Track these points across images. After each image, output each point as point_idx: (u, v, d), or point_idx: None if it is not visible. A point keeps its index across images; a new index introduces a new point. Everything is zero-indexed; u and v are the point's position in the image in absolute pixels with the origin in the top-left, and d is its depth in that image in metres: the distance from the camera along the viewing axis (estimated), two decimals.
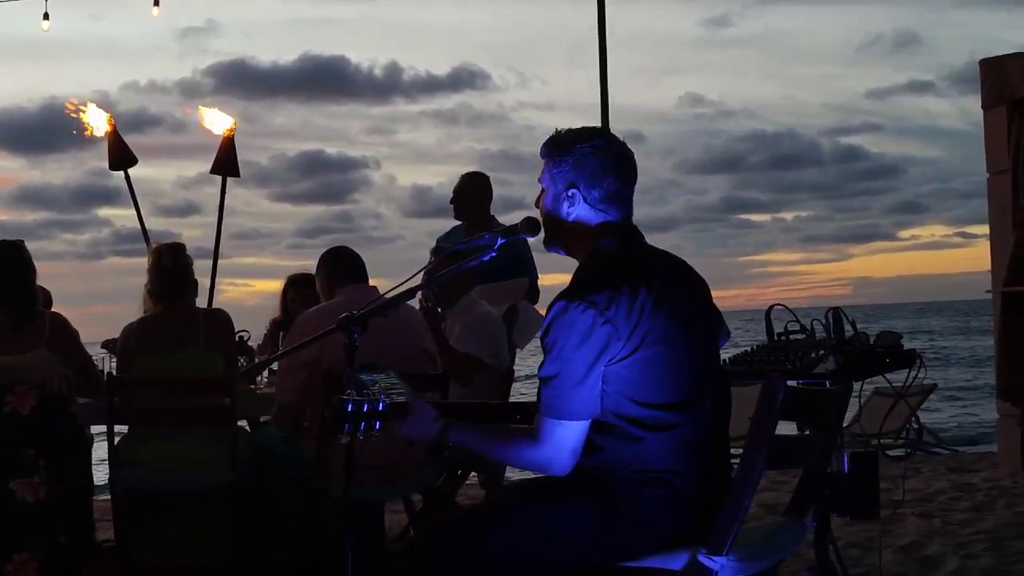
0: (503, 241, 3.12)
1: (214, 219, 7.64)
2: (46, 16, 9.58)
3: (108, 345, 5.60)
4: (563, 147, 2.97)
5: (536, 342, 5.69)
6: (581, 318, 2.75)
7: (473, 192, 6.90)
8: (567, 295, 2.81)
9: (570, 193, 2.94)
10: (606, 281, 2.79)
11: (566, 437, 2.78)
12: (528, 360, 10.07)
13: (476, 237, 3.21)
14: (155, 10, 9.58)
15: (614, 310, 2.74)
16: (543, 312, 6.71)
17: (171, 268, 5.07)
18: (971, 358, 37.71)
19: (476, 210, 6.83)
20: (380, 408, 2.86)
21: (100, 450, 5.18)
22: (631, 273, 2.83)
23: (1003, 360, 8.02)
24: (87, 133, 7.65)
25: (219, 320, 5.12)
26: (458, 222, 6.97)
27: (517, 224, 3.11)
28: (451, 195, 6.94)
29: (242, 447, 4.92)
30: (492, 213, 6.92)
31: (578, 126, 3.05)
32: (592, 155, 2.94)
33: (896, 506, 6.00)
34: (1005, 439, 8.55)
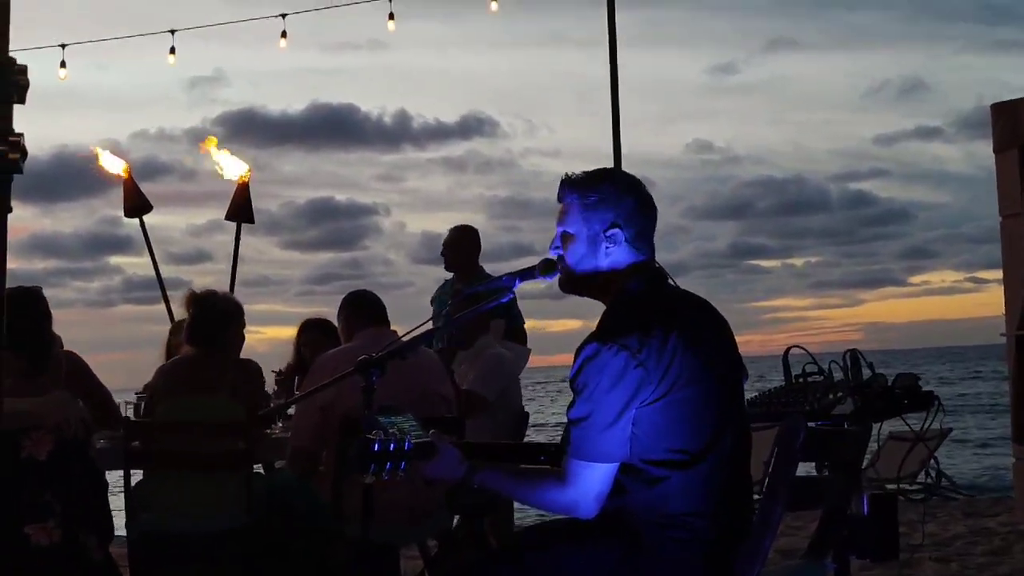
0: (520, 283, 3.13)
1: (224, 266, 7.72)
2: (63, 64, 9.71)
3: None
4: (593, 187, 2.93)
5: None
6: (613, 360, 2.73)
7: (462, 245, 7.06)
8: (598, 337, 2.79)
9: (610, 233, 2.90)
10: (637, 323, 2.78)
11: (593, 479, 2.76)
12: None
13: (495, 279, 3.22)
14: (171, 58, 9.72)
15: (646, 353, 2.73)
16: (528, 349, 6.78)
17: (204, 314, 5.08)
18: (985, 404, 37.54)
19: (466, 262, 6.99)
20: (406, 448, 2.86)
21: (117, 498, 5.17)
22: (660, 315, 2.81)
23: (1018, 404, 7.99)
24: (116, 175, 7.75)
25: (248, 370, 5.11)
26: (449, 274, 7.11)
27: (535, 267, 3.10)
28: (441, 248, 7.08)
29: (257, 491, 4.91)
30: (482, 263, 7.05)
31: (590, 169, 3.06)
32: (627, 193, 2.93)
33: (914, 550, 5.97)
34: (1022, 483, 8.50)
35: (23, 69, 1.37)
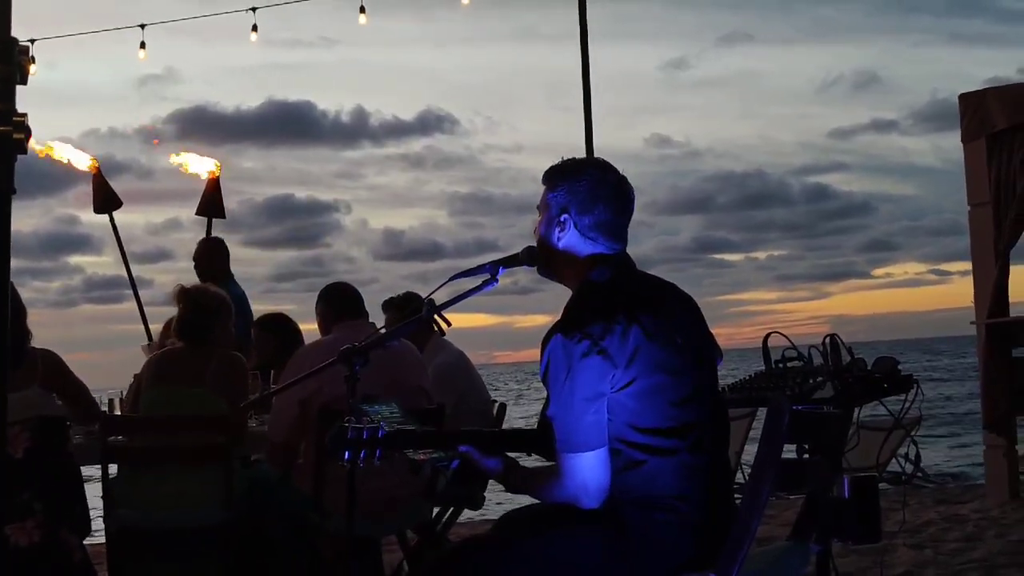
0: (504, 270, 3.15)
1: (184, 264, 7.79)
2: (33, 60, 9.62)
3: None
4: (561, 174, 3.01)
5: None
6: (576, 349, 2.76)
7: (211, 254, 7.59)
8: (561, 329, 2.82)
9: (561, 218, 2.97)
10: (599, 312, 2.81)
11: (585, 469, 2.78)
12: None
13: (477, 268, 3.22)
14: (141, 53, 9.66)
15: (609, 340, 2.76)
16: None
17: (191, 311, 5.07)
18: (953, 393, 37.84)
19: (219, 270, 7.48)
20: (379, 435, 2.87)
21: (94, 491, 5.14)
22: (624, 303, 2.84)
23: (988, 391, 8.09)
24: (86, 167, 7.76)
25: (232, 364, 5.08)
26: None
27: (518, 254, 3.13)
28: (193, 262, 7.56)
29: (237, 485, 4.89)
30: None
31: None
32: (587, 182, 2.97)
33: (889, 537, 6.01)
34: (992, 470, 8.59)
35: (24, 49, 1.37)
